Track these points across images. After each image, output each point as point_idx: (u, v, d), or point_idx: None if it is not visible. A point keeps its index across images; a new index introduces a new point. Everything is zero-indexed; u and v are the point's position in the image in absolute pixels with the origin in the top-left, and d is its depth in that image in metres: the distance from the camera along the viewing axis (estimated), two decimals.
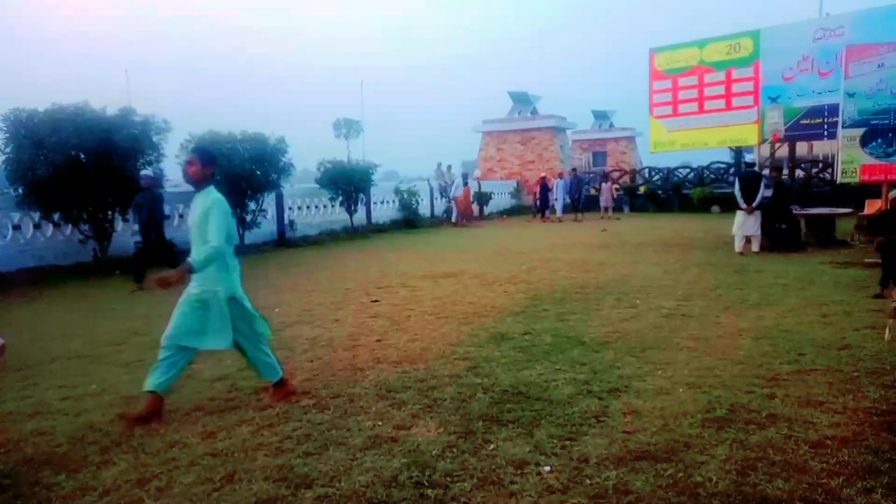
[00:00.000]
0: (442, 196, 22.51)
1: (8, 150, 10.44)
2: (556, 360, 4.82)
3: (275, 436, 3.57)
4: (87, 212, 11.04)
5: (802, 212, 12.01)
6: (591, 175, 29.03)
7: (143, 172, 9.79)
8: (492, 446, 3.33)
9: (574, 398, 4.00)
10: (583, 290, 7.76)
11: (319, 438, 3.52)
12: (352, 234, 17.27)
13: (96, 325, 6.87)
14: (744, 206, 10.84)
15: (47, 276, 10.36)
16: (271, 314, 7.00)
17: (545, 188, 22.23)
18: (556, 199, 22.40)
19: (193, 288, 3.90)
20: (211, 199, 3.89)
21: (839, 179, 10.93)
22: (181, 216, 13.04)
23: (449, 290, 8.11)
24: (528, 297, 7.48)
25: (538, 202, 22.49)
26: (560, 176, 23.52)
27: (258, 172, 13.76)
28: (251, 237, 14.37)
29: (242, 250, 13.65)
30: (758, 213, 10.83)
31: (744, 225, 10.90)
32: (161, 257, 9.00)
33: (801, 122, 14.50)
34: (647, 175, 26.59)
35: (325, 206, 17.55)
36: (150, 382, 3.85)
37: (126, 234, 11.33)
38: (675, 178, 24.97)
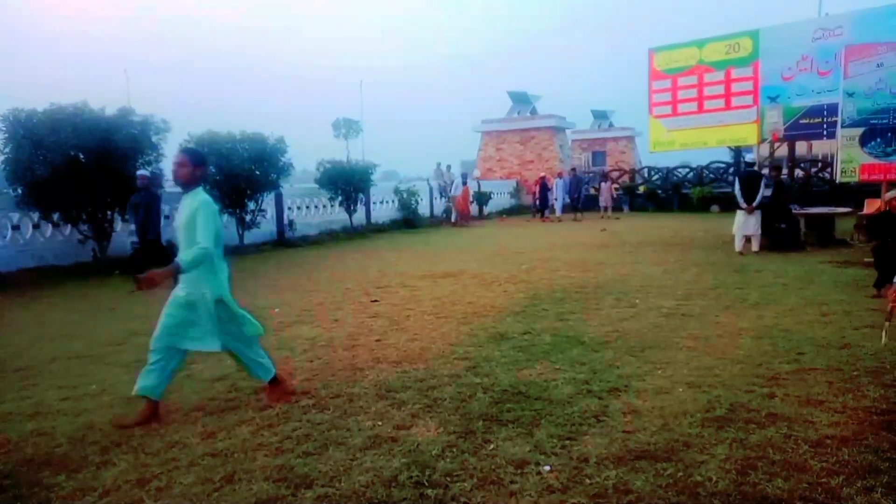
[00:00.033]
0: (441, 196, 22.52)
1: (7, 150, 10.44)
2: (556, 360, 4.82)
3: (275, 436, 3.57)
4: (86, 212, 11.04)
5: (802, 211, 12.02)
6: (591, 175, 29.05)
7: (139, 172, 9.78)
8: (492, 446, 3.34)
9: (574, 398, 4.00)
10: (582, 290, 7.77)
11: (319, 438, 3.52)
12: (351, 233, 17.27)
13: (96, 325, 6.86)
14: (744, 205, 10.83)
15: (47, 277, 10.35)
16: (271, 314, 7.00)
17: (544, 188, 22.23)
18: (556, 199, 22.40)
19: (180, 290, 3.88)
20: (198, 201, 3.85)
21: (838, 179, 10.94)
22: None
23: (448, 290, 8.11)
24: (527, 296, 7.49)
25: (537, 202, 22.50)
26: (559, 176, 23.53)
27: (257, 172, 13.77)
28: (251, 237, 14.37)
29: (242, 250, 13.69)
30: (758, 213, 10.82)
31: (744, 225, 10.89)
32: (159, 258, 9.00)
33: (801, 121, 14.51)
34: (646, 175, 26.60)
35: (324, 206, 17.55)
36: (142, 387, 3.83)
37: (126, 234, 11.33)
38: (675, 177, 24.98)
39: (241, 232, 14.10)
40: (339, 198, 17.42)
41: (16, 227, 10.85)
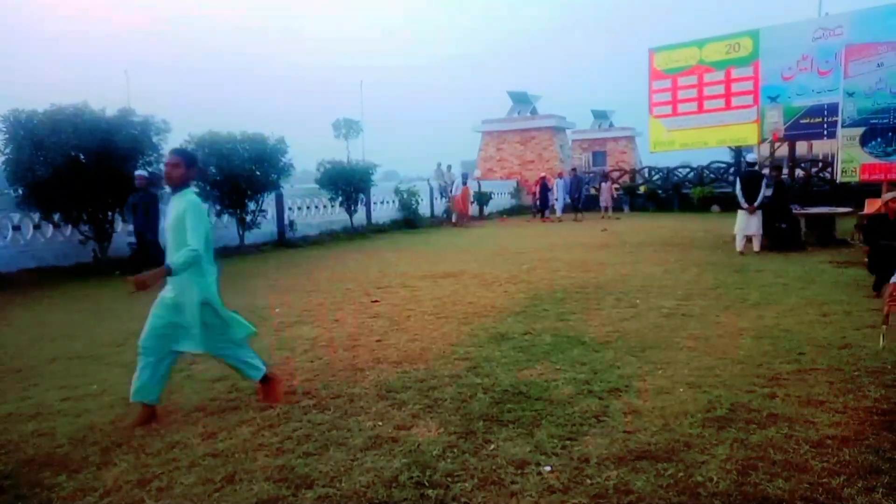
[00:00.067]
0: (442, 196, 22.52)
1: (7, 150, 10.45)
2: (557, 360, 4.82)
3: (275, 436, 3.58)
4: (86, 212, 11.06)
5: (802, 211, 12.01)
6: (591, 175, 29.06)
7: (137, 172, 9.77)
8: (492, 446, 3.34)
9: (574, 398, 4.00)
10: (583, 290, 7.76)
11: (320, 439, 3.52)
12: (352, 234, 17.27)
13: (96, 325, 6.87)
14: (745, 205, 10.82)
15: (47, 277, 10.37)
16: (272, 314, 7.01)
17: (545, 188, 22.23)
18: (556, 199, 22.40)
19: (168, 291, 3.87)
20: (186, 202, 3.82)
21: (839, 179, 10.95)
22: None
23: (449, 290, 8.11)
24: (528, 296, 7.49)
25: (538, 202, 22.49)
26: (560, 176, 23.53)
27: (258, 173, 13.77)
28: (251, 237, 14.38)
29: (242, 250, 13.70)
30: (759, 213, 10.81)
31: (746, 225, 10.87)
32: (159, 259, 8.99)
33: (801, 121, 14.52)
34: (646, 175, 26.60)
35: (324, 207, 17.55)
36: (136, 392, 3.82)
37: (126, 234, 11.34)
38: (675, 177, 24.97)
39: (241, 232, 14.11)
40: (340, 198, 17.43)
41: (16, 228, 10.86)
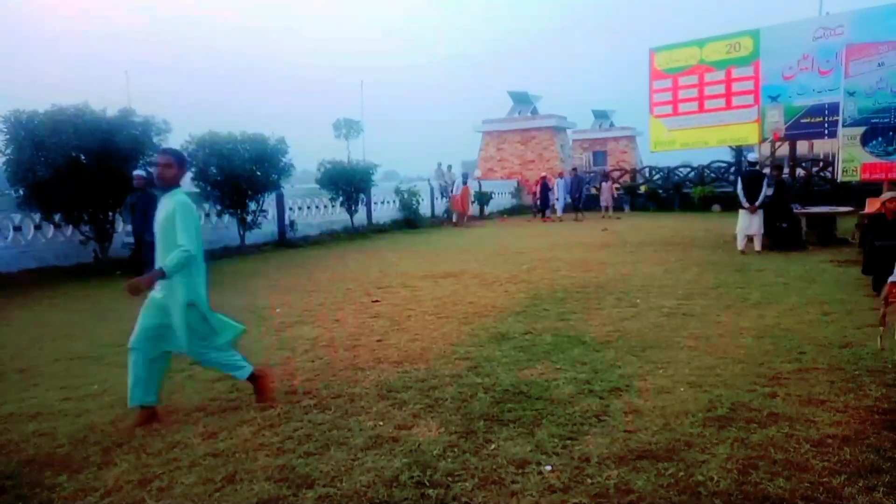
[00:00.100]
0: (442, 196, 22.52)
1: (8, 151, 10.45)
2: (557, 360, 4.82)
3: (276, 436, 3.58)
4: (87, 213, 11.06)
5: (803, 210, 12.00)
6: (592, 174, 29.06)
7: (135, 172, 9.73)
8: (493, 446, 3.34)
9: (575, 397, 4.00)
10: (583, 290, 7.76)
11: (320, 438, 3.52)
12: (352, 234, 17.27)
13: (97, 325, 6.88)
14: (746, 205, 10.80)
15: (48, 278, 10.37)
16: (273, 314, 7.02)
17: (545, 188, 22.22)
18: (557, 199, 22.39)
19: (156, 292, 3.85)
20: (174, 202, 3.80)
21: (840, 178, 10.95)
22: None
23: (449, 290, 8.11)
24: (528, 296, 7.49)
25: (538, 202, 22.48)
26: (560, 175, 23.53)
27: (258, 173, 13.77)
28: (252, 237, 14.39)
29: (243, 251, 13.70)
30: (760, 213, 10.80)
31: (748, 225, 10.86)
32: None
33: (802, 120, 14.52)
34: (647, 174, 26.59)
35: (325, 207, 17.56)
36: (135, 397, 3.82)
37: (125, 235, 11.35)
38: (676, 177, 24.96)
39: (242, 232, 14.11)
40: (340, 198, 17.43)
41: (17, 228, 10.87)
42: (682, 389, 4.08)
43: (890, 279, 3.65)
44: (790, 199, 11.82)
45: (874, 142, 10.04)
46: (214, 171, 13.25)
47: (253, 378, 4.12)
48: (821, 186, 19.48)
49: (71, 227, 11.19)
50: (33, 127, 10.34)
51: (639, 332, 5.62)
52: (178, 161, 3.96)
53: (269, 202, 15.23)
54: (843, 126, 10.33)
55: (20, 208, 10.69)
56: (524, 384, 4.28)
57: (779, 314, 6.12)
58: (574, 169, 25.03)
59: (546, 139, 28.19)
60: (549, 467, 3.06)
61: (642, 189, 25.28)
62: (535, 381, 4.33)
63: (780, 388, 4.03)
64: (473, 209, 22.97)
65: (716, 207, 21.43)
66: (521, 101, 29.56)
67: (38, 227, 11.08)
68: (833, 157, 16.89)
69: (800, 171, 20.21)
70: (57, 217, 10.96)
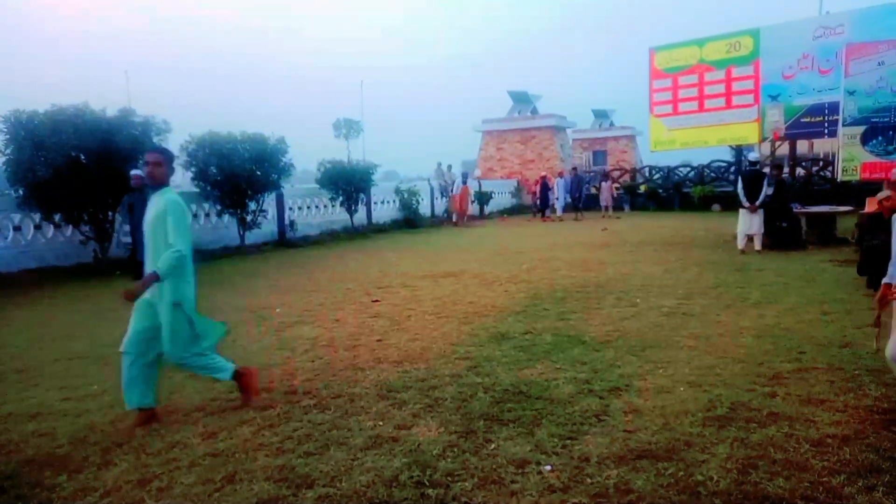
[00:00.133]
0: (442, 196, 22.52)
1: (8, 151, 10.46)
2: (557, 360, 4.82)
3: (276, 436, 3.58)
4: (87, 213, 11.07)
5: (803, 210, 12.00)
6: (592, 174, 29.05)
7: (133, 172, 9.69)
8: (493, 446, 3.34)
9: (575, 397, 4.00)
10: (583, 290, 7.76)
11: (320, 438, 3.52)
12: (352, 233, 17.27)
13: (97, 326, 6.88)
14: (746, 204, 10.80)
15: (48, 278, 10.37)
16: (272, 314, 7.01)
17: (545, 187, 22.22)
18: (557, 199, 22.39)
19: (147, 293, 3.83)
20: (165, 200, 3.76)
21: (840, 177, 10.96)
22: None
23: (449, 290, 8.11)
24: (528, 296, 7.49)
25: (538, 201, 22.48)
26: (560, 175, 23.52)
27: (258, 173, 13.77)
28: (252, 237, 14.39)
29: (243, 250, 13.70)
30: (761, 212, 10.79)
31: (748, 224, 10.85)
32: None
33: (802, 120, 14.52)
34: (647, 174, 26.59)
35: (325, 207, 17.56)
36: (129, 400, 3.81)
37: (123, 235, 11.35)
38: (676, 176, 24.96)
39: (242, 232, 14.12)
40: (340, 198, 17.43)
41: (17, 228, 10.87)
42: (681, 389, 4.09)
43: (884, 280, 3.65)
44: (790, 198, 11.82)
45: (874, 141, 10.05)
46: (214, 170, 13.25)
47: (237, 375, 4.08)
48: (821, 186, 19.48)
49: (71, 227, 11.19)
50: (33, 127, 10.35)
51: (639, 331, 5.62)
52: (167, 159, 3.93)
53: (269, 202, 15.24)
54: (843, 125, 10.34)
55: (20, 208, 10.69)
56: (524, 384, 4.28)
57: (779, 314, 6.12)
58: (574, 168, 25.03)
59: (546, 139, 28.19)
60: (548, 467, 3.06)
61: (642, 189, 25.28)
62: (534, 381, 4.33)
63: (779, 388, 4.03)
64: (473, 209, 22.96)
65: (716, 207, 21.43)
66: (521, 100, 29.57)
67: (38, 227, 11.08)
68: (833, 156, 16.90)
69: (800, 171, 20.22)
70: (57, 217, 10.96)
